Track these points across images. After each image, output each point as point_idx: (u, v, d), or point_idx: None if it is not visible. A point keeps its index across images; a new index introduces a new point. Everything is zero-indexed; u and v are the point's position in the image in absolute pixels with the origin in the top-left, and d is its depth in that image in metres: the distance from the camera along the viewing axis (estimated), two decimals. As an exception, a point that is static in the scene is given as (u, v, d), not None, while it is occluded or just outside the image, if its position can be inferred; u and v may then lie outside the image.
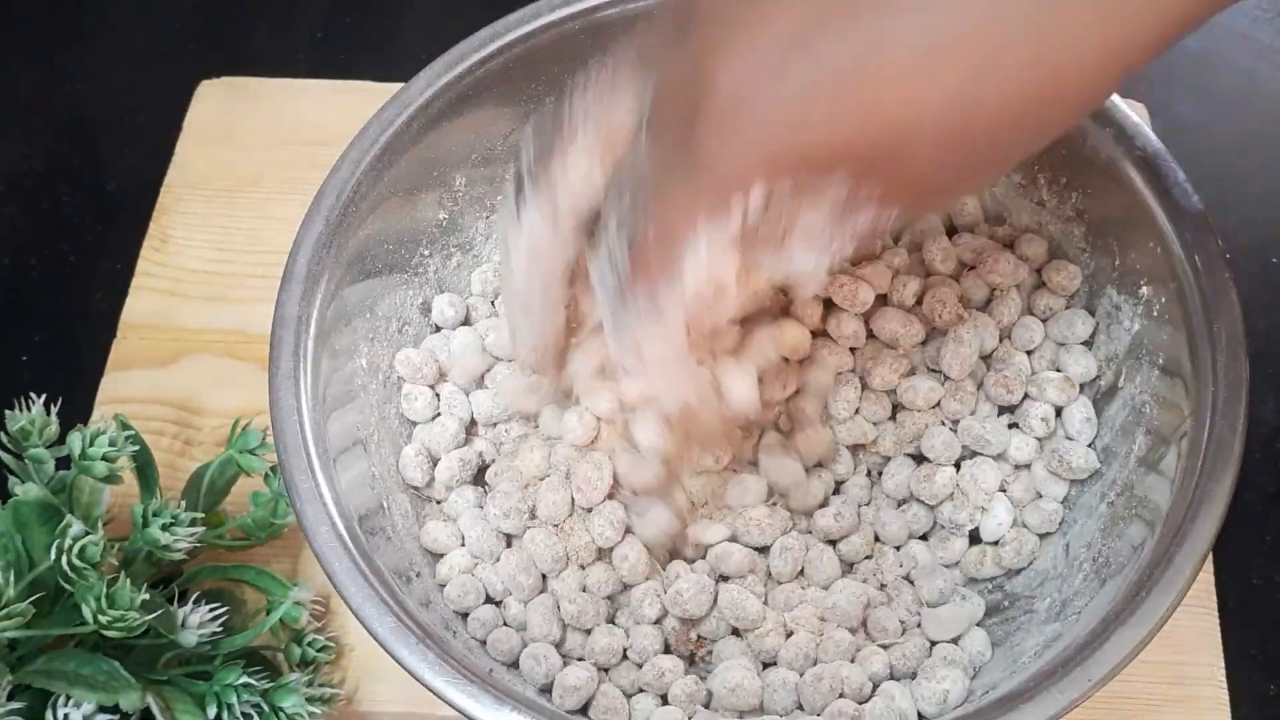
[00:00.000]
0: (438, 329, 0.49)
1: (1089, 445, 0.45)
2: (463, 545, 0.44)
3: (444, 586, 0.43)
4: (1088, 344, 0.46)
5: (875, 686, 0.41)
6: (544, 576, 0.43)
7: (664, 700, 0.41)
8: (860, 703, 0.40)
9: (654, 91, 0.34)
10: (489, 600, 0.44)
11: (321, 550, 0.38)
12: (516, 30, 0.46)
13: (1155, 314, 0.43)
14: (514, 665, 0.42)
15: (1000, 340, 0.47)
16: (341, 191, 0.43)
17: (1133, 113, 0.44)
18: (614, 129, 0.36)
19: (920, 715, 0.41)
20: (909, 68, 0.30)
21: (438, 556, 0.44)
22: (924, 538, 0.46)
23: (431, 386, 0.47)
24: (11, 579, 0.39)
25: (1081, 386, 0.46)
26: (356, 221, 0.43)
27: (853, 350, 0.46)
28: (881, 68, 0.30)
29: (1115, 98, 0.44)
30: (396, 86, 0.45)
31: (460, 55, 0.45)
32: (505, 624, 0.43)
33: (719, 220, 0.32)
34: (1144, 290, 0.44)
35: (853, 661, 0.42)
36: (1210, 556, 0.48)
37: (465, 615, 0.43)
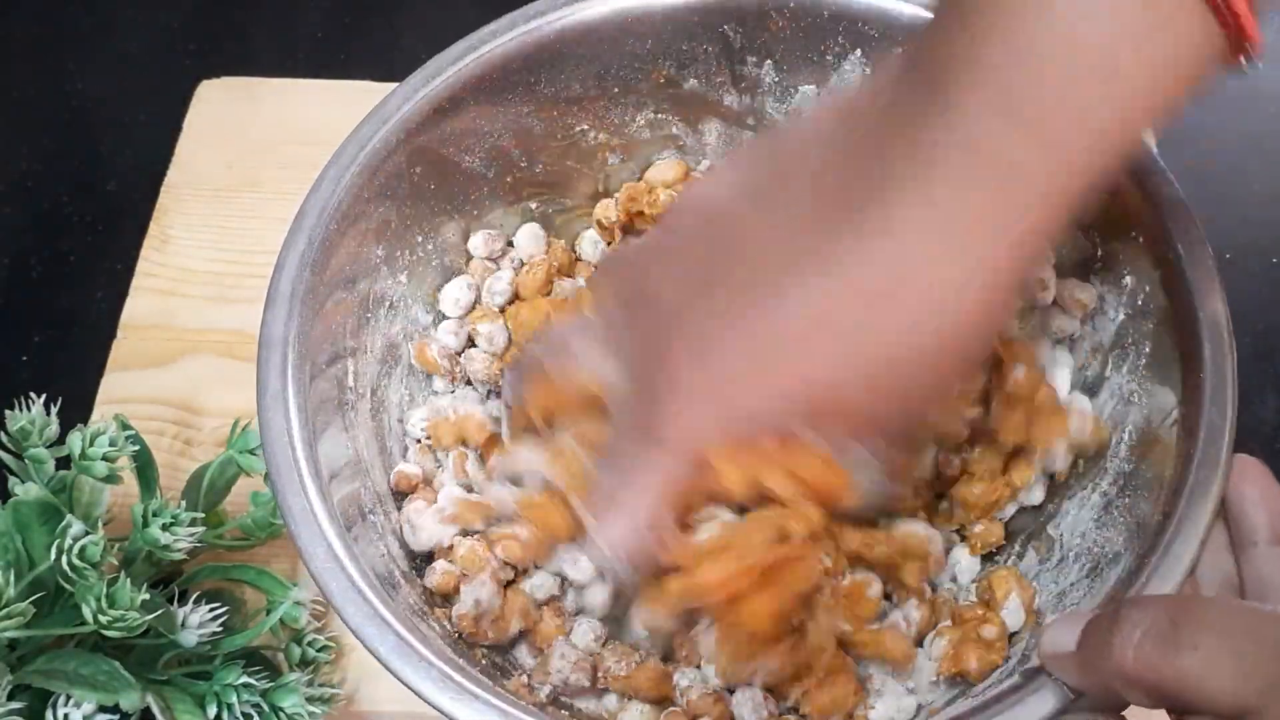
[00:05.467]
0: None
1: None
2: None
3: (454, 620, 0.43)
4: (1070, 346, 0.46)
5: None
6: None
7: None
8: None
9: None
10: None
11: (319, 572, 0.37)
12: (491, 42, 0.45)
13: (1140, 303, 0.43)
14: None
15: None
16: (323, 210, 0.43)
17: None
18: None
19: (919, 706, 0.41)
20: (802, 339, 0.33)
21: (445, 597, 0.44)
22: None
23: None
24: (11, 579, 0.39)
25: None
26: (340, 240, 0.43)
27: None
28: (781, 342, 0.33)
29: None
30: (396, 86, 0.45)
31: (437, 69, 0.45)
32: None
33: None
34: (1127, 280, 0.43)
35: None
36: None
37: (473, 646, 0.43)
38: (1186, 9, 0.28)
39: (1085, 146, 0.30)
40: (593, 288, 0.42)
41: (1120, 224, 0.43)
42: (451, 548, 0.43)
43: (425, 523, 0.43)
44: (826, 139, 0.35)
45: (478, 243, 0.49)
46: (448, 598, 0.43)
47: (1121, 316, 0.44)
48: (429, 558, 0.44)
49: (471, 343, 0.49)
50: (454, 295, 0.48)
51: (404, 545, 0.44)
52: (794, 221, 0.34)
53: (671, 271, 0.37)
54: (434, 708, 0.35)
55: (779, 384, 0.34)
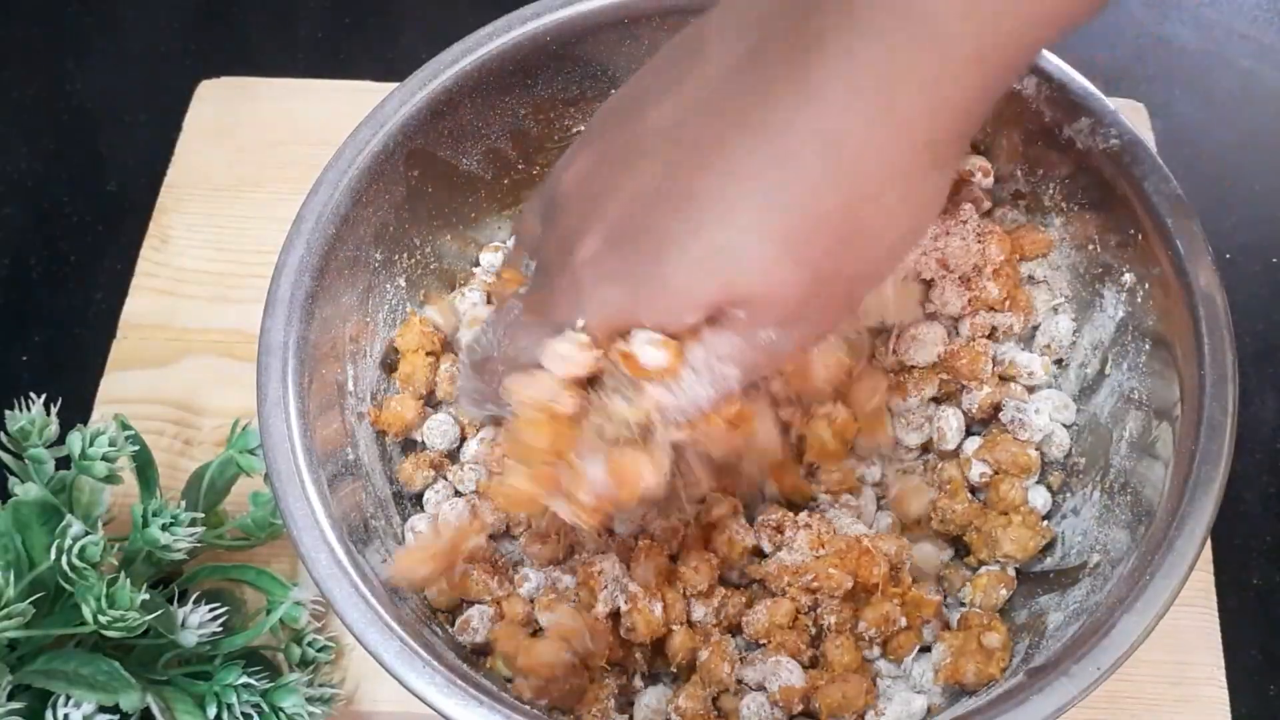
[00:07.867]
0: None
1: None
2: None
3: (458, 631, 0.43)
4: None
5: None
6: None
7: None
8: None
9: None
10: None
11: (322, 579, 0.37)
12: (488, 44, 0.45)
13: (1139, 300, 0.43)
14: None
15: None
16: (321, 214, 0.43)
17: (1108, 101, 0.43)
18: None
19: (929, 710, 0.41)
20: (727, 212, 0.31)
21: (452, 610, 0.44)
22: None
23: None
24: (11, 579, 0.39)
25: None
26: (338, 244, 0.43)
27: None
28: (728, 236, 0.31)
29: (1098, 93, 0.44)
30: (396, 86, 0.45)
31: (434, 71, 0.45)
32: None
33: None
34: (1127, 277, 0.44)
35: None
36: (1210, 557, 0.48)
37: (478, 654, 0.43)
38: None
39: (1011, 24, 0.29)
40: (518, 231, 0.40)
41: (1120, 221, 0.43)
42: None
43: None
44: (739, 23, 0.33)
45: (492, 260, 0.50)
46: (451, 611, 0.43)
47: (1121, 314, 0.44)
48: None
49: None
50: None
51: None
52: (713, 95, 0.32)
53: (590, 178, 0.35)
54: (439, 714, 0.35)
55: (707, 264, 0.32)
